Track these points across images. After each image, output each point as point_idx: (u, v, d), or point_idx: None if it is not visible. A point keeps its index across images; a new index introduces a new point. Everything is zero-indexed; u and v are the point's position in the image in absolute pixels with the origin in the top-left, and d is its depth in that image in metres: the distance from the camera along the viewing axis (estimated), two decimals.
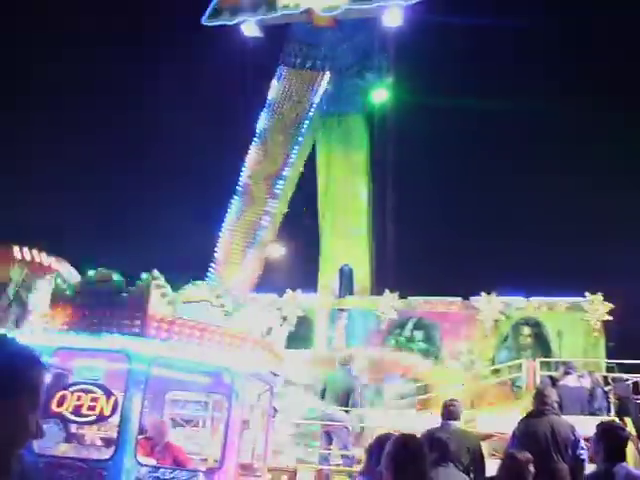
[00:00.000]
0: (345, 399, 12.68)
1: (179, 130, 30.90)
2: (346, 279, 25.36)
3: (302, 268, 26.61)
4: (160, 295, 7.69)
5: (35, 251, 10.01)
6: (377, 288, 24.84)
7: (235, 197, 24.91)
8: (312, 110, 25.37)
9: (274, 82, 26.21)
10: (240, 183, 25.13)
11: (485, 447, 11.17)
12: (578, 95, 28.81)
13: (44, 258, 9.98)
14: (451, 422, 7.77)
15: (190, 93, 30.56)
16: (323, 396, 13.11)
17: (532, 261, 27.63)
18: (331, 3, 25.18)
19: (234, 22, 26.51)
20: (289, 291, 23.80)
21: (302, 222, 26.94)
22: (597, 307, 21.05)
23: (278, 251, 26.17)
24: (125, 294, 7.79)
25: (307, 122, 25.27)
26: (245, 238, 24.10)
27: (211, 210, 26.00)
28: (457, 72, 29.09)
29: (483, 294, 22.21)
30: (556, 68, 31.47)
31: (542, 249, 27.84)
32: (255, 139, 25.75)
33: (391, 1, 24.55)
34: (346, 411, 12.72)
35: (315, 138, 26.60)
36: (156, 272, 7.81)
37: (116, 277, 8.08)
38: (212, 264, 23.96)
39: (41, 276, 8.60)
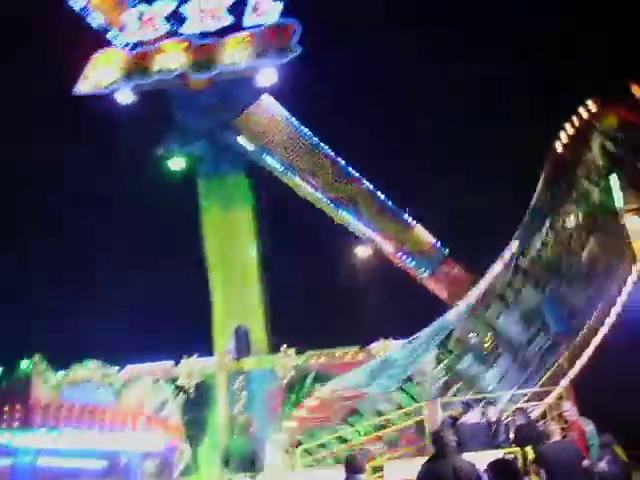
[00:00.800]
0: (250, 464, 12.39)
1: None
2: (242, 340, 25.01)
3: (196, 332, 26.08)
4: (43, 381, 7.30)
5: None
6: (274, 345, 24.67)
7: None
8: None
9: None
10: None
11: None
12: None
13: None
14: (356, 475, 7.72)
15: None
16: (227, 463, 12.74)
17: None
18: (204, 66, 25.36)
19: (108, 89, 26.19)
20: (185, 358, 23.22)
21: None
22: None
23: None
24: (4, 384, 7.34)
25: None
26: None
27: None
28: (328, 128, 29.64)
29: (380, 340, 22.50)
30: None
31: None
32: None
33: (263, 62, 25.00)
34: (252, 477, 12.42)
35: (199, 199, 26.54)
36: (37, 357, 7.42)
37: None
38: None
39: None
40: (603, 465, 9.62)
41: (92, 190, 28.56)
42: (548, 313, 15.43)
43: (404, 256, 26.23)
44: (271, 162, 26.02)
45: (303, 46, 24.95)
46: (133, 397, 7.82)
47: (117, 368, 15.28)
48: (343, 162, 26.22)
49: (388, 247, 26.36)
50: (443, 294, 25.90)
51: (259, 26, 25.56)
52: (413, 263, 26.22)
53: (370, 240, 26.49)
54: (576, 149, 17.27)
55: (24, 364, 7.39)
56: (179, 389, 21.53)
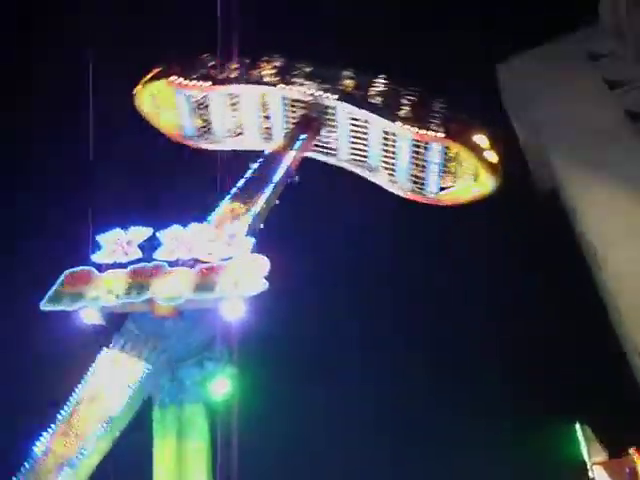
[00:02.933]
0: None
1: None
2: None
3: None
4: None
5: None
6: None
7: None
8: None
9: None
10: None
11: None
12: None
13: None
14: None
15: None
16: None
17: None
18: (172, 293, 25.39)
19: (74, 308, 26.06)
20: None
21: None
22: None
23: None
24: None
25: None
26: None
27: None
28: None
29: None
30: None
31: None
32: None
33: (230, 294, 25.03)
34: None
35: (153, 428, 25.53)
36: None
37: None
38: None
39: None
40: None
41: None
42: None
43: None
44: None
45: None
46: None
47: None
48: None
49: None
50: None
51: (230, 258, 25.91)
52: None
53: None
54: None
55: None
56: None
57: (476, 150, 35.46)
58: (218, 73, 36.87)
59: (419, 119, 35.27)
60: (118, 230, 27.13)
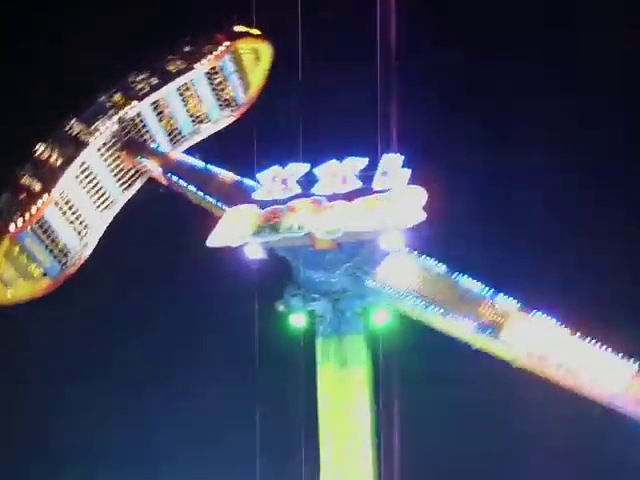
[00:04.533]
0: None
1: None
2: None
3: None
4: None
5: None
6: None
7: None
8: None
9: None
10: None
11: None
12: None
13: None
14: None
15: None
16: None
17: None
18: (332, 227, 25.84)
19: (238, 244, 27.15)
20: None
21: None
22: None
23: None
24: None
25: None
26: None
27: None
28: None
29: None
30: None
31: None
32: None
33: (389, 226, 25.18)
34: None
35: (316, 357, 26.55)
36: None
37: None
38: None
39: None
40: None
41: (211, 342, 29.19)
42: None
43: None
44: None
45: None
46: None
47: None
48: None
49: None
50: None
51: (387, 190, 25.93)
52: None
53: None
54: None
55: None
56: None
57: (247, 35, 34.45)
58: None
59: (202, 53, 33.35)
60: (276, 167, 27.73)
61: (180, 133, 34.35)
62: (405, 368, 26.60)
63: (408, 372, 26.31)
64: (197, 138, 34.80)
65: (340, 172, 26.61)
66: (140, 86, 32.83)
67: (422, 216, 24.93)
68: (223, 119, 35.49)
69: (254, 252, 26.95)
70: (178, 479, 33.16)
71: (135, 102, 32.42)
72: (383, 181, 26.14)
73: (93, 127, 31.50)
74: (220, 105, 34.98)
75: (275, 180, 27.52)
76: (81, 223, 31.60)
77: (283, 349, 26.60)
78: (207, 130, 35.02)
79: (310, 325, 26.90)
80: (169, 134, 33.73)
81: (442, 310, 25.59)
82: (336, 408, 26.03)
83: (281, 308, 27.07)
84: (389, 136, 28.12)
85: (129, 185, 32.95)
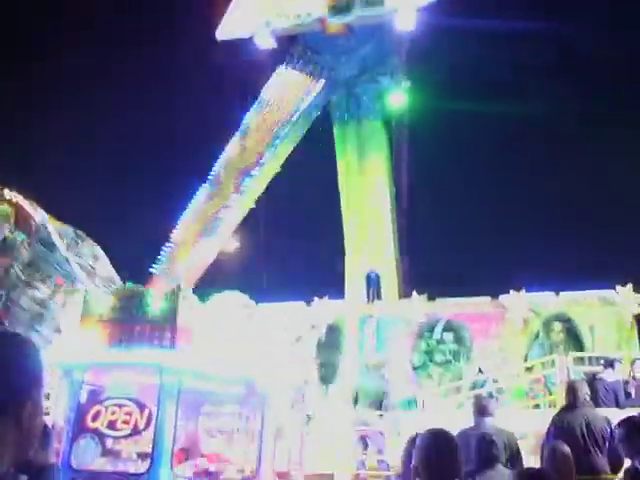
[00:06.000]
0: (378, 403, 12.68)
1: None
2: (373, 285, 25.30)
3: (327, 275, 26.63)
4: (188, 307, 7.77)
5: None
6: (405, 291, 24.73)
7: (205, 184, 25.44)
8: (297, 115, 25.45)
9: (270, 81, 26.43)
10: (213, 172, 25.74)
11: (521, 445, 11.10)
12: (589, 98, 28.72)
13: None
14: (486, 419, 7.67)
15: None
16: (356, 401, 13.12)
17: (559, 255, 27.37)
18: (344, 8, 25.19)
19: (249, 34, 26.66)
20: (317, 299, 23.76)
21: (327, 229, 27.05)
22: (629, 300, 20.80)
23: (232, 245, 26.17)
24: (155, 308, 7.88)
25: (289, 125, 25.38)
26: (202, 226, 24.60)
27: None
28: (472, 74, 28.97)
29: (512, 292, 22.03)
30: (569, 69, 31.22)
31: (567, 242, 27.70)
32: (238, 133, 26.11)
33: (402, 4, 24.52)
34: (380, 415, 12.71)
35: (335, 144, 26.82)
36: (183, 285, 7.89)
37: (145, 292, 8.19)
38: (167, 244, 24.79)
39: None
40: None
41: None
42: None
43: None
44: None
45: None
46: (272, 330, 8.18)
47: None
48: None
49: None
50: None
51: None
52: None
53: None
54: None
55: (171, 290, 7.88)
56: (312, 327, 22.17)
57: None
58: None
59: None
60: None
61: None
62: (420, 153, 26.74)
63: (422, 158, 26.43)
64: None
65: None
66: None
67: None
68: None
69: (265, 41, 26.56)
70: None
71: None
72: None
73: None
74: None
75: None
76: None
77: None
78: None
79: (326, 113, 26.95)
80: None
81: None
82: (356, 193, 26.57)
83: None
84: None
85: None
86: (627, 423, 5.91)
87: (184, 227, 25.13)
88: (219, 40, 27.03)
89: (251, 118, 26.14)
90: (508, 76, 29.93)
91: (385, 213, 26.69)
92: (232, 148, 25.96)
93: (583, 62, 30.83)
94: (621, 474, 6.47)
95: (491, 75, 29.19)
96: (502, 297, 22.23)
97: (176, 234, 25.12)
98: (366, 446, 12.71)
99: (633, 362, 12.68)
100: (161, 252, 24.94)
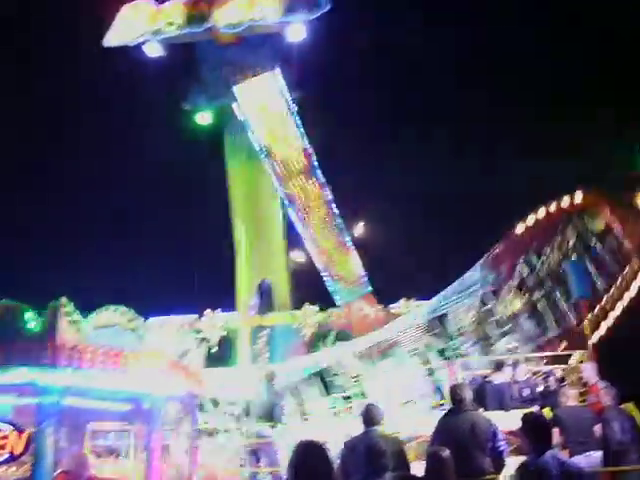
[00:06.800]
0: (269, 415, 12.60)
1: None
2: (266, 294, 25.11)
3: (220, 286, 26.27)
4: (69, 323, 7.45)
5: None
6: (296, 301, 24.80)
7: None
8: None
9: None
10: None
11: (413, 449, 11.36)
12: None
13: None
14: (374, 428, 7.77)
15: None
16: (247, 413, 13.00)
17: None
18: (234, 20, 25.09)
19: (136, 42, 26.06)
20: (209, 311, 23.45)
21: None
22: None
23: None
24: (32, 325, 7.50)
25: None
26: None
27: None
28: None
29: (402, 300, 22.61)
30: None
31: None
32: None
33: (292, 18, 24.69)
34: (272, 427, 12.64)
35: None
36: (64, 299, 7.56)
37: (21, 308, 7.78)
38: None
39: None
40: (617, 430, 9.57)
41: (122, 145, 28.56)
42: (571, 280, 15.04)
43: (329, 277, 24.49)
44: (252, 137, 24.91)
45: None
46: (156, 342, 7.98)
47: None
48: (316, 163, 24.62)
49: (318, 261, 24.79)
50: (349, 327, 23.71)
51: None
52: (332, 287, 24.46)
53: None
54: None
55: (51, 304, 7.53)
56: (202, 340, 21.88)
57: None
58: None
59: None
60: None
61: None
62: None
63: None
64: None
65: None
66: None
67: (326, 6, 24.53)
68: None
69: (153, 50, 26.06)
70: None
71: None
72: None
73: None
74: None
75: None
76: None
77: (191, 148, 26.45)
78: None
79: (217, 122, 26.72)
80: None
81: None
82: (248, 201, 26.32)
83: (186, 107, 26.66)
84: None
85: None
86: (523, 420, 6.24)
87: None
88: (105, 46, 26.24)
89: None
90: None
91: (276, 221, 26.52)
92: None
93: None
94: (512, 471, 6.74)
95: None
96: (391, 306, 22.76)
97: None
98: (258, 459, 12.60)
99: (515, 365, 13.24)
100: None
